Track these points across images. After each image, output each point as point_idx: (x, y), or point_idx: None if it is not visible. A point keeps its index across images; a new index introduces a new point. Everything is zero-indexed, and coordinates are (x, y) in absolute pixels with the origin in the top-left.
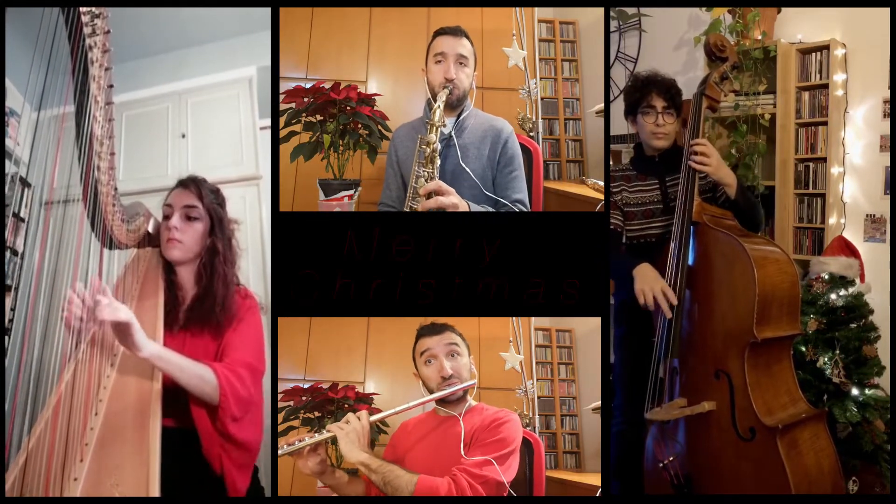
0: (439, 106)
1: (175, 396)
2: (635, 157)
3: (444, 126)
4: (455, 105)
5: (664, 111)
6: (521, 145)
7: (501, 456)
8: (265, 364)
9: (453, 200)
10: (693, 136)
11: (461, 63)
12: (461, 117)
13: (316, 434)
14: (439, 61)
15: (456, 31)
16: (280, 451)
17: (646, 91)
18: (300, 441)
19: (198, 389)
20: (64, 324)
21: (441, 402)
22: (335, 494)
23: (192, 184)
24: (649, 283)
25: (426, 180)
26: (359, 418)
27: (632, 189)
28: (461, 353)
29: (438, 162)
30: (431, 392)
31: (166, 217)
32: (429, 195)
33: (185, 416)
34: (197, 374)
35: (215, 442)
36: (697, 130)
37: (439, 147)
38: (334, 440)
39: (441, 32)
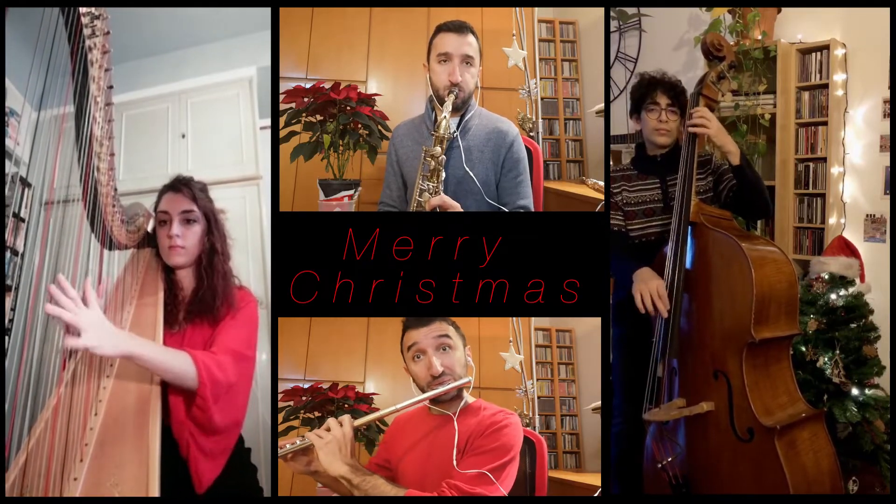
0: (445, 117)
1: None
2: (636, 156)
3: (450, 136)
4: (459, 106)
5: (668, 108)
6: None
7: (498, 467)
8: (255, 351)
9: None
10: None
11: (466, 63)
12: (465, 118)
13: (297, 440)
14: (443, 61)
15: (461, 28)
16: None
17: (651, 89)
18: (281, 448)
19: (178, 381)
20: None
21: (433, 400)
22: (335, 494)
23: (183, 187)
24: (646, 284)
25: (431, 194)
26: (340, 424)
27: (632, 188)
28: (454, 346)
29: (444, 175)
30: (423, 390)
31: (163, 222)
32: (433, 210)
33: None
34: (177, 367)
35: (185, 427)
36: None
37: (444, 159)
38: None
39: (444, 28)
